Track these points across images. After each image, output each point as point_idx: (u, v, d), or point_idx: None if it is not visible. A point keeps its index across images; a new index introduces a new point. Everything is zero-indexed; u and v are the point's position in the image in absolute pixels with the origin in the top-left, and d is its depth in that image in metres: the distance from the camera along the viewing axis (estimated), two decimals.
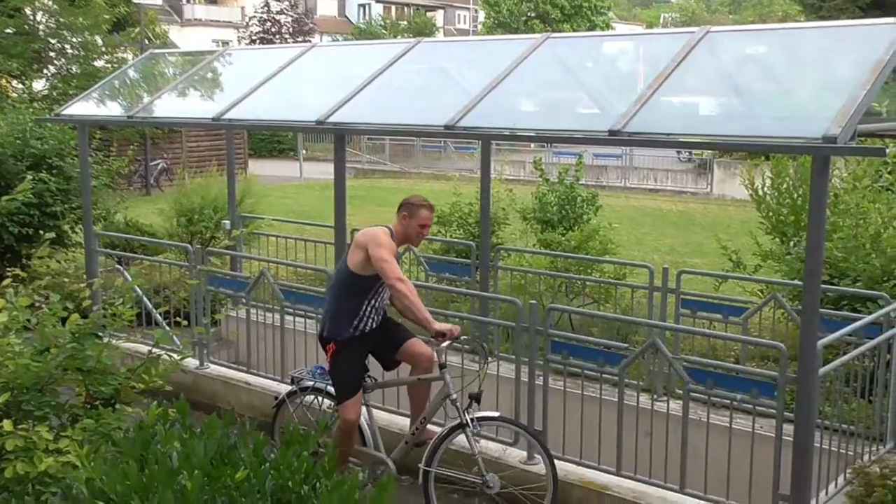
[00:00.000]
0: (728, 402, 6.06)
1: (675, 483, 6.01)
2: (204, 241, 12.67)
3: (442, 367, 6.01)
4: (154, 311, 9.03)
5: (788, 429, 5.51)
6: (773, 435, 5.63)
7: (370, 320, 6.13)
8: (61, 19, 14.77)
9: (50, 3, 13.34)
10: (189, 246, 9.47)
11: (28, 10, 17.44)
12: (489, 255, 9.16)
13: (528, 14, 51.24)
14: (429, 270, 9.88)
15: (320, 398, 6.64)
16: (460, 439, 6.05)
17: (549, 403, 6.48)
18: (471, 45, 11.38)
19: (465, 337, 6.50)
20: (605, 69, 7.88)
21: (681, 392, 6.21)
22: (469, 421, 5.93)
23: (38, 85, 20.87)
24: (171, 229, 13.33)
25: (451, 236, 11.91)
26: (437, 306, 9.13)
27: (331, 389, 6.36)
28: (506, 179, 16.43)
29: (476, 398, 6.01)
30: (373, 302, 6.09)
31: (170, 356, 5.27)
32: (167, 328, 8.63)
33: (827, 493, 5.90)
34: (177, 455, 3.72)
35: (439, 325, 5.90)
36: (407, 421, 6.74)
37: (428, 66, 8.63)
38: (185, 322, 7.81)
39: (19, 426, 4.43)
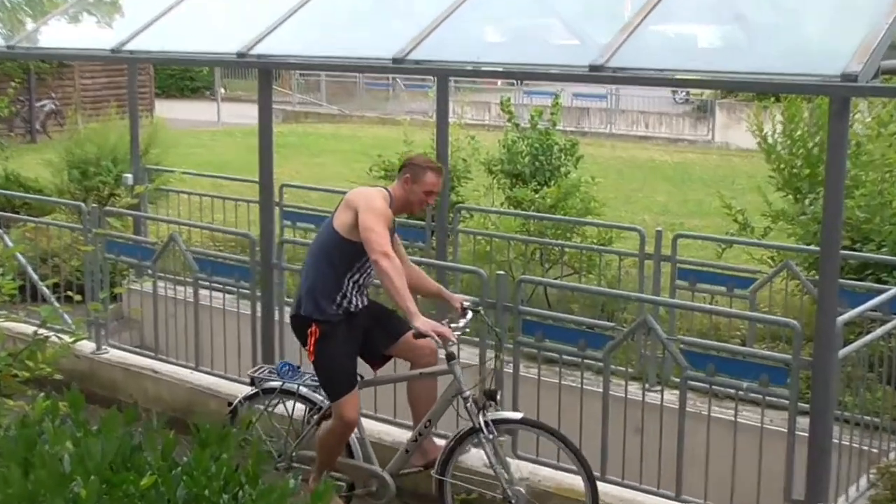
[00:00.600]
0: (733, 391, 6.13)
1: (669, 489, 6.05)
2: (101, 199, 12.52)
3: (450, 358, 5.79)
4: (40, 283, 8.90)
5: (803, 422, 5.58)
6: (785, 430, 5.71)
7: (355, 298, 5.95)
8: None
9: None
10: (83, 205, 9.33)
11: None
12: (447, 217, 9.15)
13: None
14: None
15: (291, 402, 6.37)
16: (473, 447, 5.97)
17: (519, 395, 6.51)
18: None
19: (470, 313, 6.16)
20: None
21: (677, 380, 6.28)
22: (483, 425, 5.72)
23: None
24: (62, 184, 13.14)
25: None
26: None
27: (304, 391, 6.22)
28: (467, 124, 16.36)
29: (492, 396, 5.82)
30: (356, 277, 5.91)
31: (60, 338, 5.24)
32: (56, 304, 8.52)
33: (847, 498, 6.00)
34: (69, 457, 3.69)
35: (423, 322, 5.60)
36: (406, 433, 6.52)
37: None
38: (78, 297, 7.70)
39: None
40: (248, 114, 25.75)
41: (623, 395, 6.35)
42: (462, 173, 12.17)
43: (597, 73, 5.94)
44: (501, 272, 6.81)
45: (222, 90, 33.72)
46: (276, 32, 7.49)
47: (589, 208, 11.21)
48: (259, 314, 7.66)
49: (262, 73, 7.69)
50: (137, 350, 8.74)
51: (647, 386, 7.33)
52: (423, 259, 8.96)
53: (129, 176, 10.89)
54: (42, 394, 4.19)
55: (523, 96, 29.72)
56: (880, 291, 6.88)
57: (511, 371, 6.52)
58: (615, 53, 5.84)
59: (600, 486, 6.02)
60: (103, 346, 8.52)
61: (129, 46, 8.21)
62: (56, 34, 9.40)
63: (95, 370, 8.39)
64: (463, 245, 9.91)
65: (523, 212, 10.88)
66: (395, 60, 6.75)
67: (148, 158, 12.45)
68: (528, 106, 19.92)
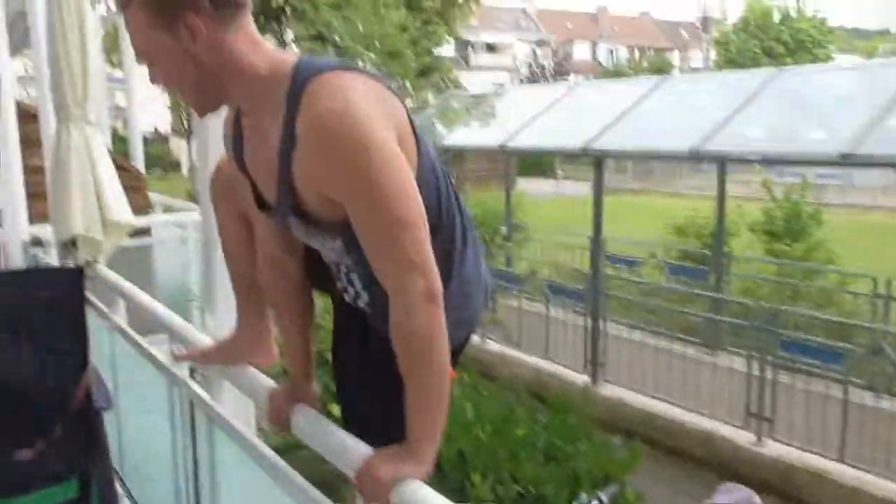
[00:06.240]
0: None
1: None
2: (484, 243, 13.00)
3: None
4: None
5: None
6: None
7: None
8: (383, 69, 15.78)
9: (375, 57, 14.29)
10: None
11: (360, 63, 18.91)
12: (722, 262, 8.77)
13: (755, 51, 48.33)
14: (669, 274, 9.61)
15: None
16: None
17: (776, 396, 6.11)
18: (708, 80, 10.95)
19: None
20: (833, 97, 7.30)
21: None
22: None
23: None
24: None
25: (688, 246, 11.52)
26: (672, 304, 8.86)
27: None
28: (734, 196, 15.58)
29: None
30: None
31: None
32: None
33: None
34: (470, 411, 3.87)
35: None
36: None
37: (672, 99, 8.41)
38: None
39: None
40: (577, 187, 25.93)
41: (860, 402, 5.79)
42: (732, 232, 11.61)
43: (846, 161, 5.51)
44: (763, 303, 6.43)
45: (560, 171, 34.10)
46: (607, 133, 7.55)
47: (830, 259, 10.37)
48: (588, 325, 7.66)
49: (595, 161, 7.75)
50: (507, 343, 8.91)
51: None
52: (704, 292, 8.59)
53: (504, 228, 11.28)
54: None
55: (777, 176, 27.83)
56: None
57: (770, 377, 6.11)
58: (861, 143, 5.41)
59: (841, 467, 5.49)
60: (486, 340, 8.78)
61: (510, 144, 8.55)
62: (459, 135, 9.97)
63: (479, 356, 8.63)
64: (733, 283, 9.43)
65: (779, 260, 10.23)
66: (691, 151, 6.60)
67: (515, 217, 12.82)
68: (782, 183, 18.68)
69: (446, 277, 1.31)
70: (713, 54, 57.69)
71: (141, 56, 1.31)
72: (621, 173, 36.23)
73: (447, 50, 32.44)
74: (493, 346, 8.72)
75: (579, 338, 7.77)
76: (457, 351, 1.50)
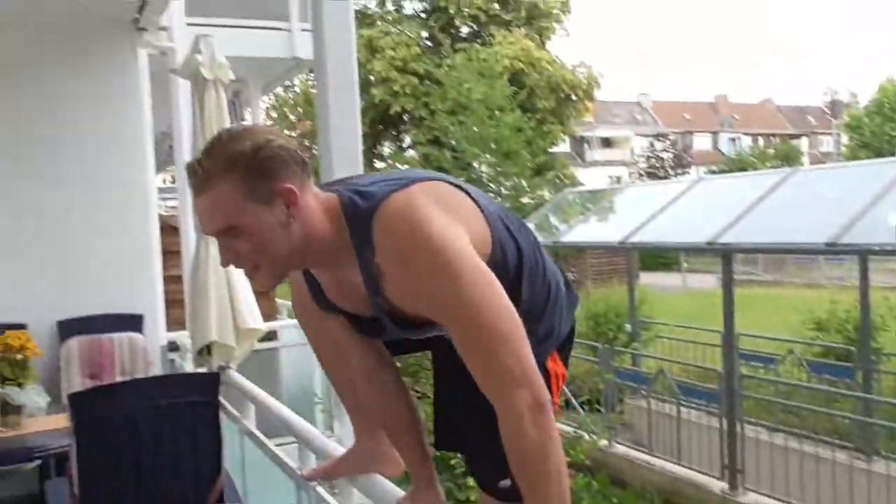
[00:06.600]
0: None
1: None
2: (609, 341, 12.75)
3: None
4: (572, 397, 9.20)
5: None
6: None
7: None
8: (499, 169, 16.22)
9: (491, 158, 14.66)
10: (598, 345, 9.59)
11: (475, 165, 19.51)
12: (870, 358, 8.22)
13: (891, 133, 46.36)
14: (810, 371, 9.09)
15: None
16: None
17: None
18: (840, 171, 10.59)
19: None
20: None
21: None
22: None
23: None
24: (581, 330, 13.56)
25: (829, 341, 10.89)
26: (817, 405, 8.34)
27: None
28: (879, 286, 14.74)
29: None
30: None
31: (589, 436, 5.34)
32: (582, 412, 8.71)
33: None
34: None
35: None
36: None
37: (802, 191, 8.15)
38: (589, 408, 7.85)
39: None
40: (703, 280, 25.22)
41: None
42: (880, 325, 10.92)
43: None
44: None
45: (685, 264, 33.30)
46: (734, 227, 7.38)
47: None
48: (724, 427, 7.30)
49: (724, 256, 7.55)
50: (636, 447, 8.63)
51: None
52: (851, 392, 8.07)
53: (628, 325, 11.05)
54: (580, 473, 4.30)
55: None
56: None
57: None
58: None
59: None
60: (613, 443, 8.51)
61: (630, 239, 8.47)
62: (580, 231, 9.96)
63: (608, 460, 8.36)
64: (883, 381, 8.81)
65: None
66: (827, 244, 6.34)
67: (640, 312, 12.55)
68: None
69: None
70: (844, 139, 55.92)
71: (223, 232, 1.24)
72: (751, 264, 35.01)
73: (562, 146, 32.88)
74: (622, 449, 8.42)
75: (714, 441, 7.40)
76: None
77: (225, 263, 1.28)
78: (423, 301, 1.24)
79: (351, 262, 1.28)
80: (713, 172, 36.01)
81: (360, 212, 1.24)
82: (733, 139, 62.28)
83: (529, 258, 1.41)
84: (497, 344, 1.19)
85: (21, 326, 3.86)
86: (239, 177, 1.20)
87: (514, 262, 1.36)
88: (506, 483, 1.42)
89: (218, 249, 1.28)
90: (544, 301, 1.47)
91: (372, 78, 22.62)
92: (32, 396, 3.40)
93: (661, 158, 45.14)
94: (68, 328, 4.41)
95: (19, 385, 3.37)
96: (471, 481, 4.61)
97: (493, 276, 1.22)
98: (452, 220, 1.23)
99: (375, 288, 1.27)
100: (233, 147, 1.22)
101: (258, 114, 6.63)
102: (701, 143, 60.08)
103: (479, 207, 1.33)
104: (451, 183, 1.34)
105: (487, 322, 1.19)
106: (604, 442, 8.44)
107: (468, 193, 1.34)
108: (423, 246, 1.19)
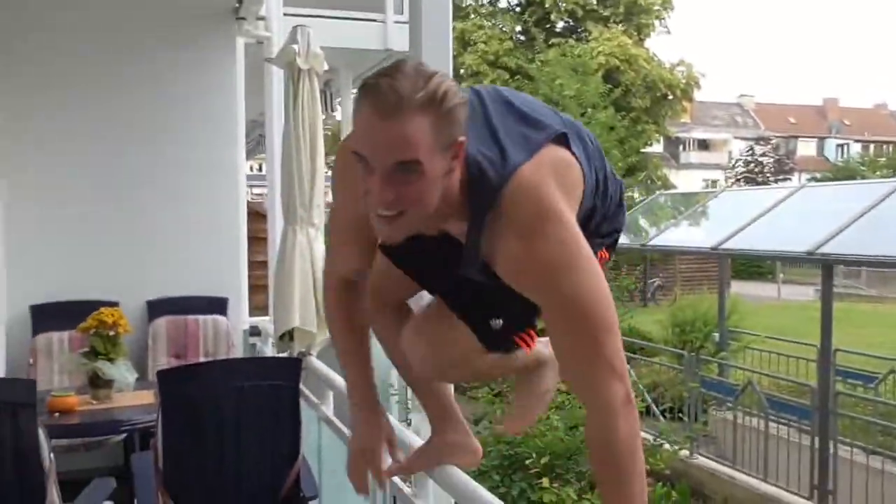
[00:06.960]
0: None
1: None
2: (695, 349, 12.47)
3: None
4: (654, 405, 9.04)
5: None
6: None
7: None
8: None
9: None
10: (684, 353, 9.39)
11: None
12: None
13: None
14: None
15: None
16: None
17: None
18: None
19: None
20: None
21: None
22: None
23: None
24: (667, 337, 13.32)
25: None
26: None
27: None
28: None
29: None
30: None
31: (670, 446, 5.24)
32: (664, 421, 8.55)
33: None
34: None
35: None
36: None
37: None
38: (671, 416, 7.67)
39: (553, 484, 4.71)
40: (800, 293, 24.38)
41: None
42: None
43: None
44: None
45: (781, 275, 32.21)
46: (837, 237, 7.10)
47: None
48: (815, 445, 7.05)
49: (824, 267, 7.28)
50: (719, 460, 8.40)
51: None
52: None
53: (717, 334, 10.77)
54: (658, 483, 4.22)
55: None
56: None
57: None
58: None
59: None
60: (695, 454, 8.32)
61: (723, 246, 8.26)
62: (670, 236, 9.75)
63: (689, 471, 8.18)
64: None
65: None
66: None
67: (729, 322, 12.22)
68: None
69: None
70: None
71: (403, 165, 1.15)
72: (853, 278, 33.59)
73: (656, 147, 32.25)
74: (704, 460, 8.22)
75: (804, 459, 7.15)
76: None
77: (378, 203, 1.18)
78: (532, 282, 1.23)
79: (458, 225, 1.28)
80: (816, 180, 34.73)
81: (487, 180, 1.23)
82: (841, 145, 59.79)
83: (598, 214, 1.45)
84: (605, 336, 1.20)
85: (114, 304, 4.04)
86: (434, 117, 1.15)
87: (583, 222, 1.35)
88: (497, 323, 1.45)
89: (374, 184, 1.17)
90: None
91: (462, 72, 22.67)
92: (122, 371, 3.56)
93: (761, 163, 43.71)
94: (157, 308, 4.60)
95: (110, 360, 3.53)
96: (545, 482, 4.60)
97: (598, 263, 1.24)
98: (567, 200, 1.25)
99: (475, 257, 1.27)
100: (433, 86, 1.15)
101: (348, 104, 6.73)
102: (805, 148, 57.91)
103: (584, 180, 1.33)
104: (569, 146, 1.32)
105: (597, 312, 1.20)
106: (685, 452, 8.25)
107: (579, 161, 1.32)
108: (548, 231, 1.20)
